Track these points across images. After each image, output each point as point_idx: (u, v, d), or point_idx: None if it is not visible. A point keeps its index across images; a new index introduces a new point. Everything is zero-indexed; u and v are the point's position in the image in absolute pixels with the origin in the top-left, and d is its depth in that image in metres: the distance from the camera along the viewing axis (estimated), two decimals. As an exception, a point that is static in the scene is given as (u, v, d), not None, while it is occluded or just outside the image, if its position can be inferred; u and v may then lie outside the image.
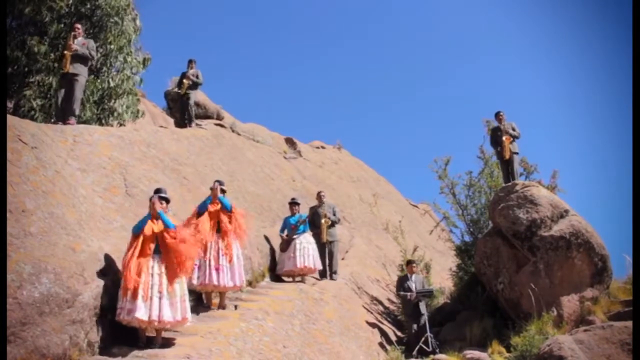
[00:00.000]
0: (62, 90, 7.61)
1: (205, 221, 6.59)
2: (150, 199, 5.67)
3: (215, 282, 6.41)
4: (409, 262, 9.03)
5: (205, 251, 6.45)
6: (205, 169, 9.04)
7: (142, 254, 5.24)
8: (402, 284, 8.75)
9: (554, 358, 6.67)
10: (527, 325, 7.55)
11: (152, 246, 5.34)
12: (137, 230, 5.35)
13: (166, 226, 5.42)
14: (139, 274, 5.09)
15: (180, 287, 5.39)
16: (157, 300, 5.12)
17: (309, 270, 8.69)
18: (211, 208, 6.75)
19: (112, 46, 9.40)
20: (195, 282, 6.36)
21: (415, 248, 11.29)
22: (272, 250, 8.98)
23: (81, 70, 7.68)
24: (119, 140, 7.41)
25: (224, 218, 6.70)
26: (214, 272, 6.40)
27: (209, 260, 6.44)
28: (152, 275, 5.19)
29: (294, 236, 8.71)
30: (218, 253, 6.51)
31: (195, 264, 6.35)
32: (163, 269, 5.28)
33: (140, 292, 5.02)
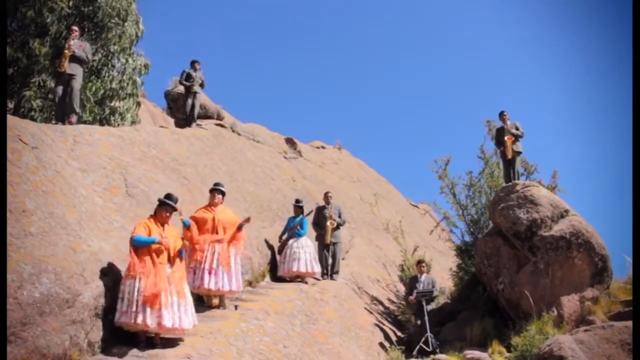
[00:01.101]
0: (60, 90, 7.62)
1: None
2: (164, 209, 5.56)
3: (207, 286, 6.40)
4: (418, 262, 9.18)
5: (201, 254, 6.46)
6: (205, 169, 9.04)
7: (159, 262, 5.27)
8: (412, 284, 8.91)
9: (554, 358, 6.67)
10: (527, 325, 7.55)
11: (166, 255, 5.37)
12: (142, 245, 5.23)
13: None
14: (159, 283, 5.14)
15: (189, 293, 5.49)
16: (176, 307, 5.21)
17: (299, 274, 8.65)
18: (209, 213, 6.73)
19: (115, 47, 9.40)
20: (189, 285, 6.35)
21: (416, 248, 11.31)
22: (272, 251, 8.99)
23: (78, 71, 7.72)
24: (119, 140, 7.41)
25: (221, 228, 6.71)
26: (206, 276, 6.39)
27: (204, 264, 6.43)
28: (169, 283, 5.25)
29: (291, 239, 8.72)
30: (213, 257, 6.49)
31: (191, 268, 6.39)
32: (176, 277, 5.35)
33: (163, 300, 5.08)
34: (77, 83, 7.72)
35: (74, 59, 7.66)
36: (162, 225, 5.51)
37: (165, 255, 5.36)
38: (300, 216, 9.02)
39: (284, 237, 8.88)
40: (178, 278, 5.38)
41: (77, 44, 7.77)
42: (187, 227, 6.53)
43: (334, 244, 9.21)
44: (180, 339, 5.43)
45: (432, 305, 8.61)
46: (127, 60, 9.70)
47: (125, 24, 9.53)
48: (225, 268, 6.49)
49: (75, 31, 7.89)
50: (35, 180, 5.18)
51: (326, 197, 9.58)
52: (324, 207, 9.40)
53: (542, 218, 8.30)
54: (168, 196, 5.65)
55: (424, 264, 9.08)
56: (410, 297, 8.68)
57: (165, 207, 5.56)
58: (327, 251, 9.11)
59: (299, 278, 8.69)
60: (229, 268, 6.52)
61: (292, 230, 8.80)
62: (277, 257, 8.90)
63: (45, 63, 8.53)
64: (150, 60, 10.29)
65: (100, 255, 5.25)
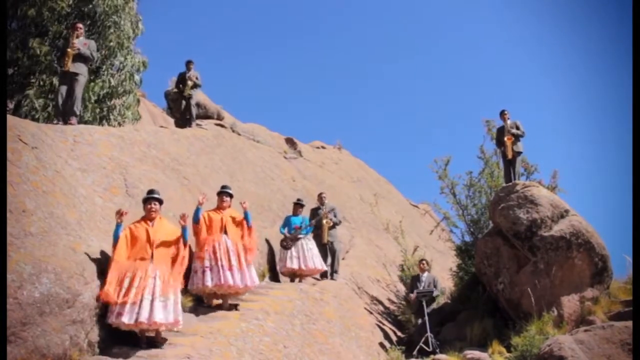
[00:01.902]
0: (63, 89, 7.57)
1: (202, 228, 6.62)
2: (147, 203, 5.63)
3: (230, 282, 6.38)
4: (420, 261, 9.27)
5: (214, 253, 6.44)
6: (205, 169, 9.04)
7: (140, 257, 5.25)
8: (413, 283, 8.98)
9: (554, 358, 6.67)
10: (527, 325, 7.55)
11: (150, 251, 5.33)
12: (116, 240, 5.29)
13: (184, 240, 5.61)
14: (129, 279, 5.11)
15: (174, 290, 5.40)
16: (148, 302, 5.08)
17: (316, 271, 8.79)
18: (217, 215, 6.76)
19: (112, 44, 9.40)
20: (209, 284, 6.31)
21: (416, 248, 11.32)
22: (272, 250, 8.98)
23: (82, 70, 7.63)
24: (119, 140, 7.40)
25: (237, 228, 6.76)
26: (228, 273, 6.38)
27: (221, 262, 6.40)
28: (149, 278, 5.19)
29: (300, 236, 8.73)
30: (228, 254, 6.49)
31: (207, 267, 6.37)
32: (158, 273, 5.27)
33: (131, 297, 5.01)
34: (81, 82, 7.62)
35: (79, 57, 7.56)
36: (151, 221, 5.54)
37: (147, 250, 5.31)
38: (301, 217, 9.07)
39: (286, 232, 8.85)
40: (166, 273, 5.34)
41: (82, 42, 7.67)
42: (196, 222, 6.56)
43: (331, 242, 9.24)
44: (179, 339, 5.43)
45: (433, 306, 8.62)
46: (125, 58, 9.69)
47: (122, 21, 9.52)
48: (239, 266, 6.51)
49: (80, 28, 7.76)
50: (35, 180, 5.18)
51: (320, 197, 9.65)
52: (318, 208, 9.45)
53: (542, 218, 8.30)
54: (150, 192, 5.77)
55: (424, 262, 9.12)
56: (411, 295, 8.74)
57: (148, 202, 5.63)
58: (324, 251, 9.12)
59: (297, 278, 8.71)
60: (241, 266, 6.54)
61: (298, 229, 8.79)
62: (281, 251, 8.82)
63: (45, 62, 8.51)
64: (147, 58, 10.31)
65: (101, 255, 5.25)
